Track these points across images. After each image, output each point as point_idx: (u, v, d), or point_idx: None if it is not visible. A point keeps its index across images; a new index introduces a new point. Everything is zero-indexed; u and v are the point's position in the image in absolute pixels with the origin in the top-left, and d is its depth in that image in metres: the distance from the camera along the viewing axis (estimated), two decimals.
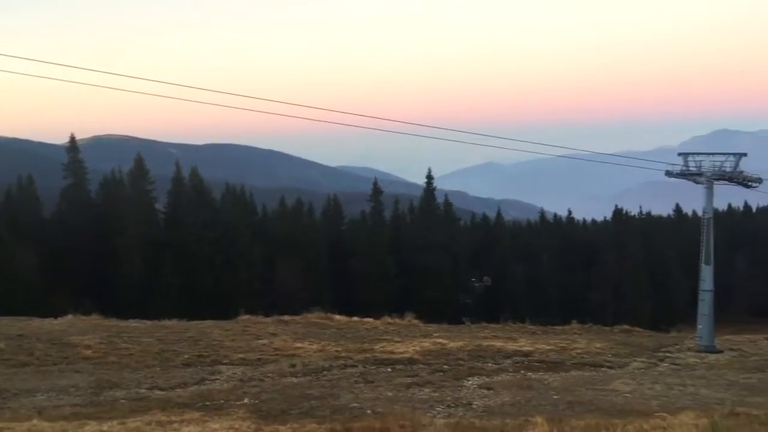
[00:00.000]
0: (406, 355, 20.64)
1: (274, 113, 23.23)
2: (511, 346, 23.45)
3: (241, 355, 19.80)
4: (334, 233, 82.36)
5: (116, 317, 27.10)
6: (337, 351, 21.03)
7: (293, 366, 18.54)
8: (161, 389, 15.56)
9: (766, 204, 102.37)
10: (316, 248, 75.47)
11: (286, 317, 27.94)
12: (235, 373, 17.54)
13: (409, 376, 17.83)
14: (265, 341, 22.38)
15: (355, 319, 29.15)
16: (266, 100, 21.63)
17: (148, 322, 25.82)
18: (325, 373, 18.01)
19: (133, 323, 25.31)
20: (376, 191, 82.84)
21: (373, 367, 18.95)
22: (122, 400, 14.35)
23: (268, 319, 27.49)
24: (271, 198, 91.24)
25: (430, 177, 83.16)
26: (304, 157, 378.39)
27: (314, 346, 21.65)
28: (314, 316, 28.33)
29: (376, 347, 22.04)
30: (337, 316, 29.06)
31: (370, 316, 30.10)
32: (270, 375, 17.50)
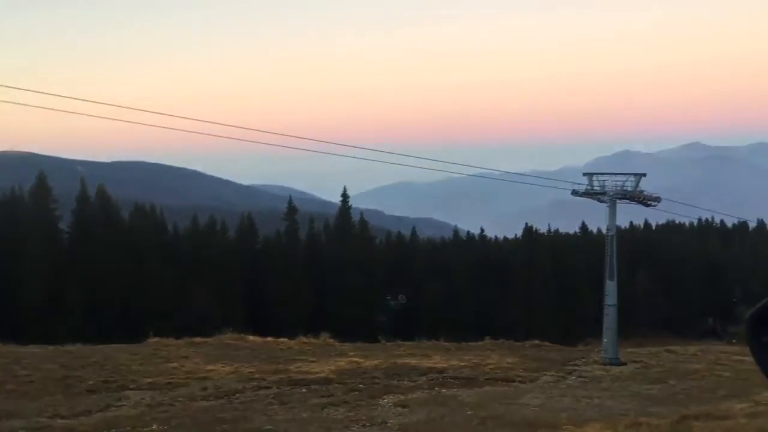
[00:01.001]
0: (322, 375, 20.46)
1: (185, 130, 22.82)
2: (425, 363, 23.63)
3: (149, 380, 19.11)
4: (248, 252, 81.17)
5: (15, 342, 25.69)
6: (250, 372, 20.63)
7: (205, 389, 18.05)
8: (64, 417, 14.83)
9: (664, 222, 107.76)
10: (230, 268, 74.17)
11: (198, 339, 27.21)
12: (143, 399, 16.91)
13: (324, 396, 17.68)
14: (175, 364, 21.70)
15: (270, 339, 28.72)
16: (177, 117, 21.22)
17: (50, 348, 24.60)
18: (238, 395, 17.63)
19: (33, 349, 24.05)
20: (291, 210, 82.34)
21: (288, 388, 18.69)
22: (21, 431, 13.60)
23: (179, 342, 26.68)
24: (182, 217, 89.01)
25: (345, 195, 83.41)
26: (217, 175, 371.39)
27: (227, 368, 21.17)
28: (227, 337, 27.73)
29: (291, 368, 21.76)
30: (251, 337, 28.56)
31: (285, 336, 29.73)
32: (180, 399, 16.98)
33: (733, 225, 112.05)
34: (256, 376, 20.06)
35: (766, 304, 1.26)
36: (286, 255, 77.06)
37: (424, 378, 20.92)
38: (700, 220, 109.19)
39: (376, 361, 23.13)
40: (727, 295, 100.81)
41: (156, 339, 26.83)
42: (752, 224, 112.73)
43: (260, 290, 74.58)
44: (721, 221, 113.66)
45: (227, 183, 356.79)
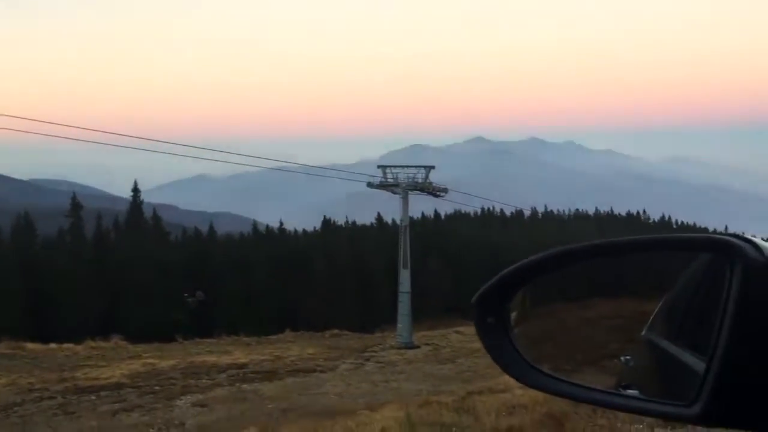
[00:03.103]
0: (113, 380, 19.38)
1: None
2: (225, 359, 23.26)
3: None
4: (26, 253, 74.16)
5: None
6: (30, 383, 18.99)
7: None
8: None
9: (452, 211, 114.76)
10: (6, 270, 67.32)
11: None
12: None
13: (116, 402, 16.76)
14: None
15: (53, 345, 26.64)
16: None
17: None
18: (16, 409, 16.15)
19: None
20: (76, 206, 76.51)
21: (75, 397, 17.46)
22: None
23: None
24: None
25: (136, 190, 79.16)
26: None
27: (2, 380, 19.30)
28: (3, 346, 25.29)
29: (77, 374, 20.36)
30: (31, 345, 26.30)
31: (71, 342, 27.72)
32: None
33: (511, 213, 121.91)
34: (38, 386, 18.51)
35: (490, 285, 1.39)
36: (70, 254, 71.54)
37: (224, 375, 20.57)
38: (483, 209, 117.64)
39: (172, 362, 22.35)
40: None
41: None
42: (527, 212, 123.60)
43: (42, 293, 68.54)
44: (501, 210, 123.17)
45: (3, 178, 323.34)
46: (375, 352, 26.74)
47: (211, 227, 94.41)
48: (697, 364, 1.17)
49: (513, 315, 1.44)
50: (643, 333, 1.50)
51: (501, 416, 8.27)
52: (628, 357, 1.49)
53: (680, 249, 1.34)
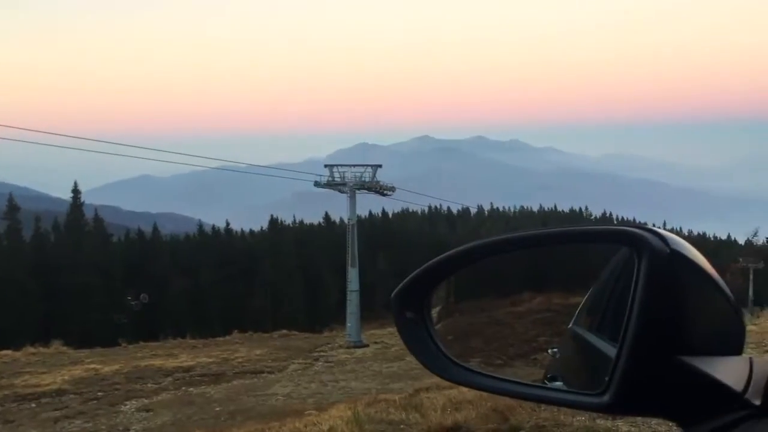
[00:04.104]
0: (54, 387, 18.87)
1: None
2: (171, 363, 22.89)
3: None
4: None
5: None
6: None
7: None
8: None
9: (400, 210, 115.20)
10: None
11: None
12: None
13: (57, 409, 16.33)
14: None
15: None
16: None
17: None
18: None
19: None
20: (12, 208, 74.07)
21: (14, 405, 16.96)
22: None
23: None
24: None
25: (76, 191, 77.07)
26: None
27: None
28: None
29: (16, 381, 19.74)
30: None
31: (9, 348, 26.88)
32: None
33: (458, 211, 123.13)
34: None
35: (409, 280, 1.42)
36: (7, 258, 69.23)
37: (170, 378, 20.25)
38: (430, 207, 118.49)
39: (116, 366, 21.90)
40: None
41: None
42: (474, 210, 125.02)
43: None
44: (448, 208, 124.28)
45: None
46: (324, 351, 26.71)
47: (155, 228, 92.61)
48: (613, 354, 1.18)
49: (437, 310, 1.46)
50: (570, 325, 1.54)
51: (447, 412, 8.36)
52: (555, 349, 1.54)
53: (588, 241, 1.36)
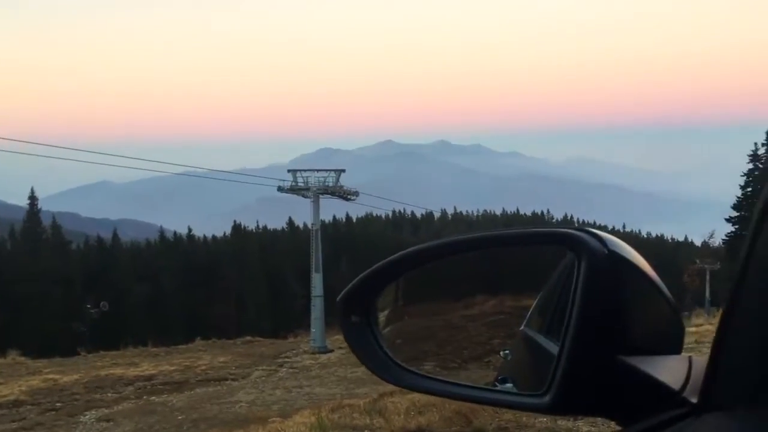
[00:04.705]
0: (11, 398, 18.46)
1: None
2: (132, 371, 22.54)
3: None
4: None
5: None
6: None
7: None
8: None
9: (363, 214, 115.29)
10: None
11: None
12: None
13: (14, 421, 15.99)
14: None
15: None
16: None
17: None
18: None
19: None
20: None
21: None
22: None
23: None
24: None
25: (33, 197, 75.52)
26: None
27: None
28: None
29: None
30: None
31: None
32: None
33: (422, 215, 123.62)
34: None
35: (354, 284, 1.43)
36: None
37: (131, 387, 19.95)
38: (394, 211, 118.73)
39: (75, 376, 21.49)
40: None
41: None
42: (437, 214, 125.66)
43: None
44: (412, 212, 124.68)
45: None
46: (288, 357, 26.56)
47: (115, 235, 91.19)
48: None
49: (384, 314, 1.46)
50: (522, 327, 1.57)
51: (411, 416, 8.41)
52: (507, 351, 1.57)
53: (528, 243, 1.39)
